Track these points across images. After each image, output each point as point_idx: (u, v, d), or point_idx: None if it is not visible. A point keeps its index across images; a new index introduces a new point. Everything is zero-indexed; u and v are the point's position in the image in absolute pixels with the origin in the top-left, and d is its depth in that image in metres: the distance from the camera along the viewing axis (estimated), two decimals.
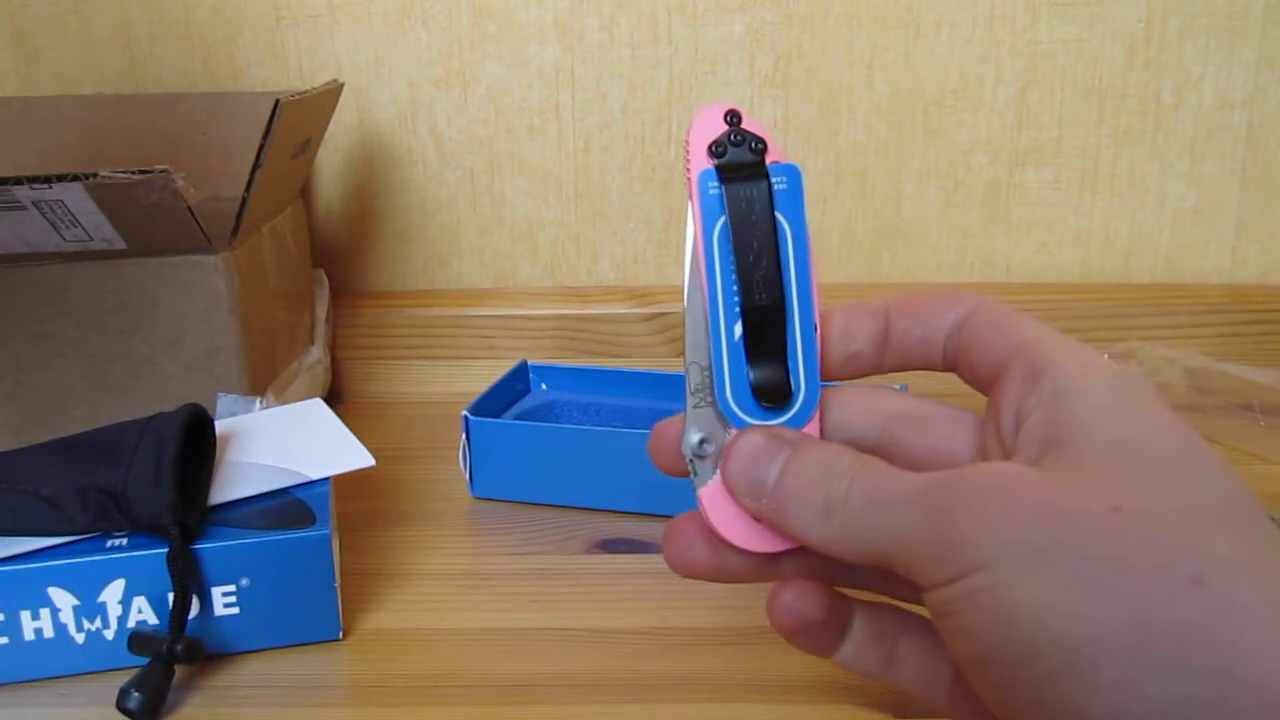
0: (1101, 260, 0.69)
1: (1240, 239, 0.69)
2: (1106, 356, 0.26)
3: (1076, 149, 0.67)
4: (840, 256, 0.69)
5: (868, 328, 0.29)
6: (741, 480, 0.27)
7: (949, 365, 0.29)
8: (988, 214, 0.68)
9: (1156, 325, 0.66)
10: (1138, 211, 0.68)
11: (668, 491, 0.50)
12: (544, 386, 0.60)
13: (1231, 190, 0.68)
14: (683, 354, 0.29)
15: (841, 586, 0.30)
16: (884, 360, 0.29)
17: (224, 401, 0.49)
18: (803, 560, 0.29)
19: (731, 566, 0.29)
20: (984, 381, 0.28)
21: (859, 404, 0.29)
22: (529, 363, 0.60)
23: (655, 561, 0.47)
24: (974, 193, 0.68)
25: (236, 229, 0.50)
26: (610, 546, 0.48)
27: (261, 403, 0.50)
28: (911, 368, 0.29)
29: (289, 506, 0.41)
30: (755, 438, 0.28)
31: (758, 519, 0.28)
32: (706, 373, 0.28)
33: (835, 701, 0.37)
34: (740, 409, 0.28)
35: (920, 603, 0.28)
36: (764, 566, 0.29)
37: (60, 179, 0.43)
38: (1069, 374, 0.25)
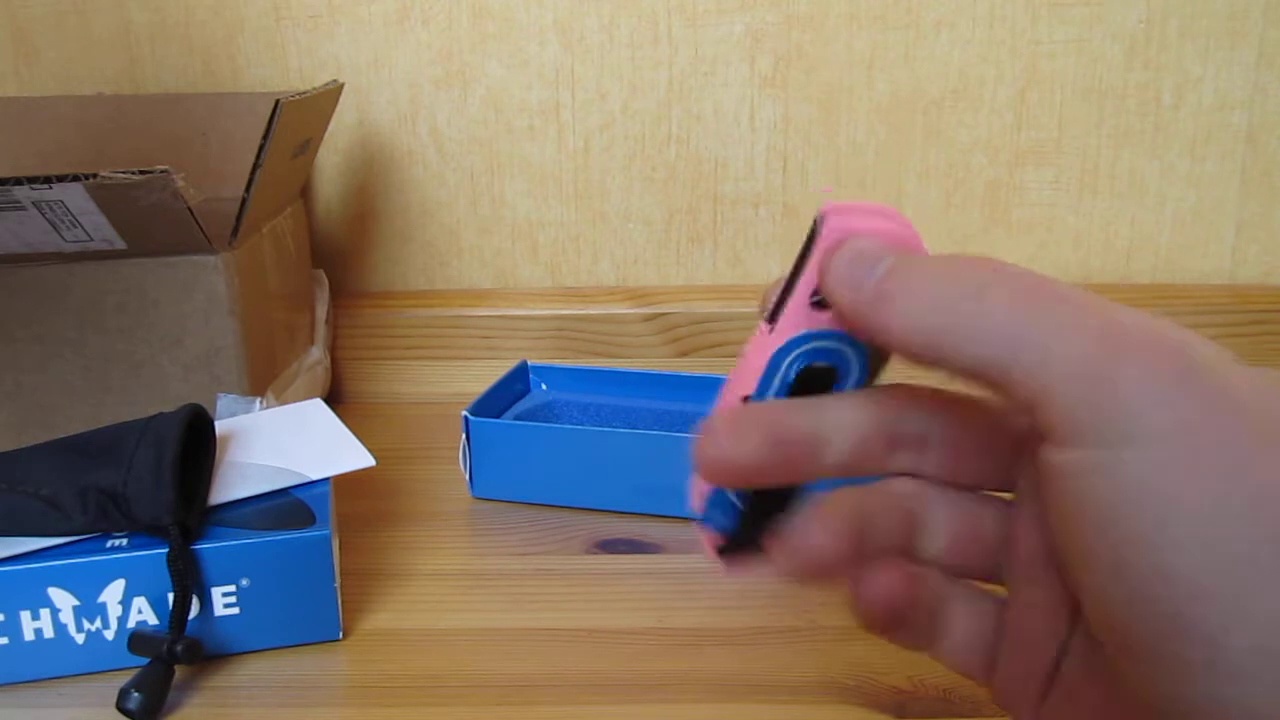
0: (1101, 260, 0.69)
1: (1240, 239, 0.69)
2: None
3: (1076, 149, 0.67)
4: None
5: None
6: (845, 263, 0.23)
7: None
8: (988, 214, 0.68)
9: None
10: (1138, 212, 0.68)
11: (668, 492, 0.50)
12: (544, 387, 0.60)
13: (1231, 190, 0.68)
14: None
15: (874, 470, 0.26)
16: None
17: (224, 401, 0.49)
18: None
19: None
20: None
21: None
22: (529, 363, 0.60)
23: (655, 561, 0.47)
24: (974, 193, 0.68)
25: (236, 229, 0.50)
26: (610, 546, 0.48)
27: (261, 403, 0.50)
28: None
29: (289, 506, 0.41)
30: (864, 239, 0.23)
31: (848, 316, 0.23)
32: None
33: (835, 701, 0.37)
34: None
35: (976, 473, 0.26)
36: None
37: (60, 179, 0.43)
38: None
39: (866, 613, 0.26)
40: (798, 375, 0.25)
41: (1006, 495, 0.26)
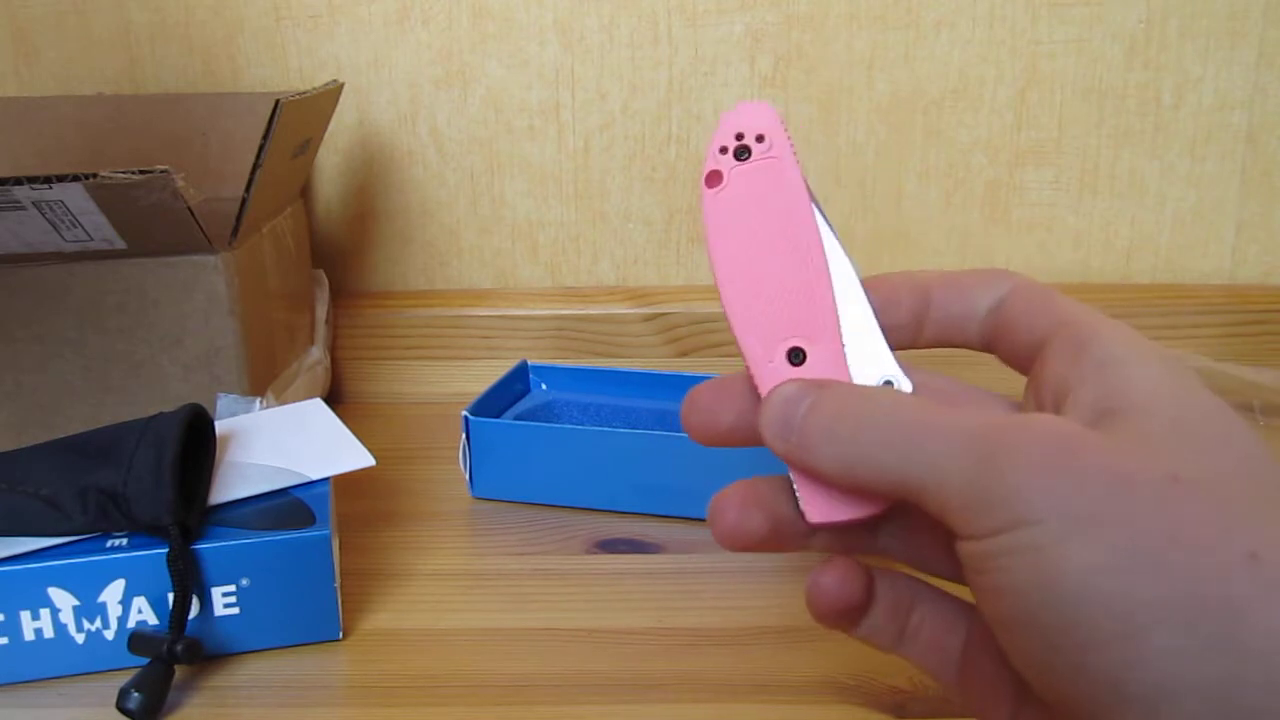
0: (1101, 260, 0.69)
1: (1240, 239, 0.69)
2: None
3: (1076, 149, 0.67)
4: None
5: (909, 301, 0.29)
6: (773, 423, 0.27)
7: (986, 343, 0.28)
8: (988, 214, 0.68)
9: (1156, 325, 0.66)
10: (1138, 212, 0.68)
11: (668, 492, 0.50)
12: (544, 386, 0.60)
13: (1231, 190, 0.68)
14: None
15: (862, 555, 0.30)
16: (921, 335, 0.29)
17: (224, 401, 0.49)
18: (835, 532, 0.29)
19: (783, 535, 0.29)
20: (1023, 358, 0.27)
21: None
22: (529, 363, 0.60)
23: (655, 561, 0.47)
24: (974, 193, 0.68)
25: (236, 229, 0.50)
26: (610, 546, 0.48)
27: (261, 403, 0.50)
28: (948, 344, 0.29)
29: (289, 506, 0.41)
30: (789, 385, 0.27)
31: (791, 464, 0.27)
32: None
33: (835, 701, 0.37)
34: None
35: (940, 567, 0.28)
36: (804, 537, 0.29)
37: (60, 179, 0.43)
38: (1116, 345, 0.24)
39: (814, 603, 0.29)
40: None
41: None
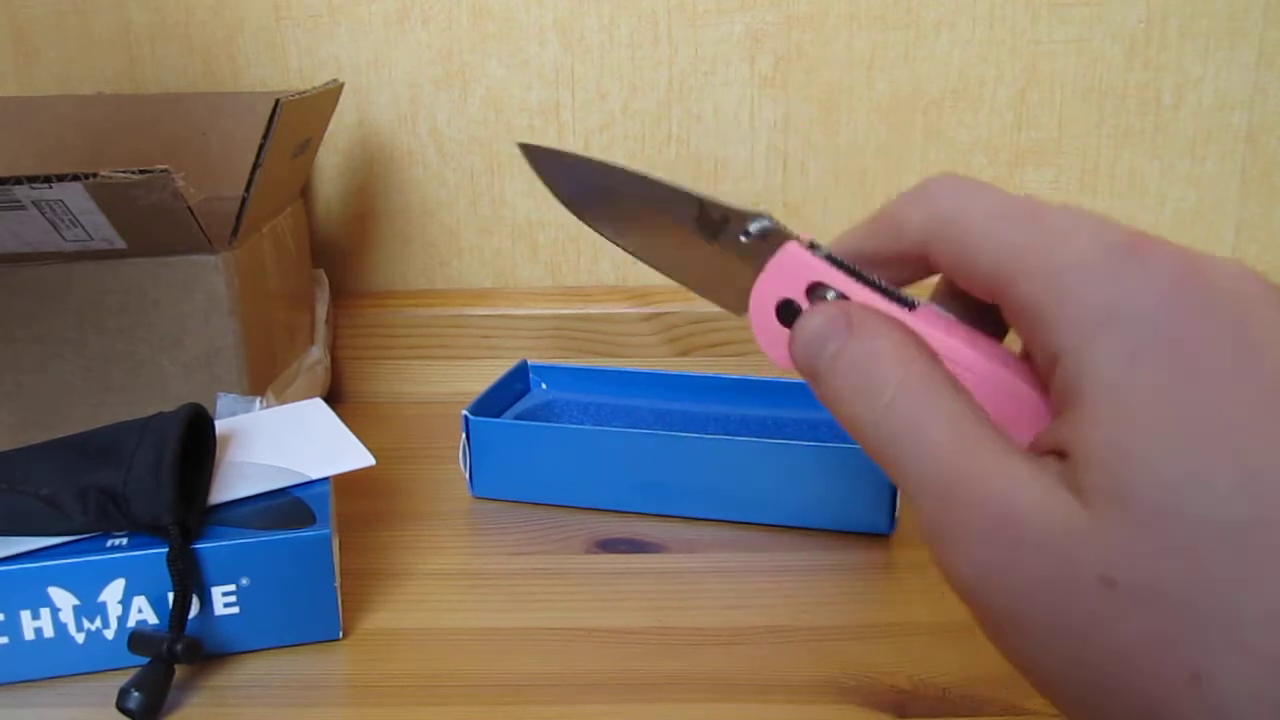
0: None
1: (1240, 239, 0.68)
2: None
3: (1076, 149, 0.67)
4: None
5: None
6: (801, 349, 0.26)
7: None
8: None
9: None
10: (1138, 212, 0.68)
11: (668, 492, 0.50)
12: (544, 386, 0.60)
13: (1231, 190, 0.68)
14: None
15: None
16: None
17: (224, 401, 0.49)
18: None
19: None
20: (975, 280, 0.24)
21: None
22: (529, 363, 0.60)
23: (655, 561, 0.47)
24: None
25: (236, 229, 0.50)
26: (610, 546, 0.48)
27: (261, 403, 0.50)
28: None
29: (289, 506, 0.41)
30: (815, 317, 0.26)
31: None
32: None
33: (835, 701, 0.37)
34: None
35: None
36: None
37: (60, 179, 0.43)
38: (1077, 324, 0.21)
39: None
40: None
41: None
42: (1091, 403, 0.21)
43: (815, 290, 0.27)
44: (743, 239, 0.28)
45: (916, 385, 0.24)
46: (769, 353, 0.28)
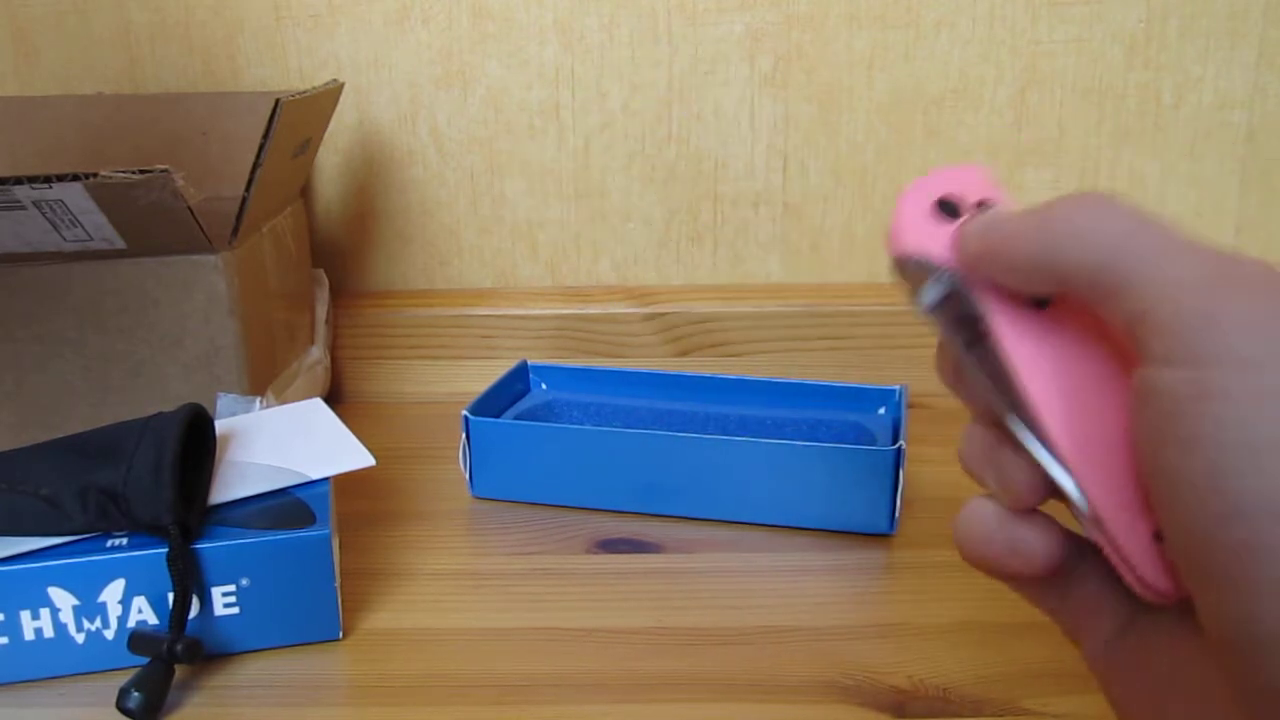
0: None
1: (1240, 239, 0.68)
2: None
3: (1076, 149, 0.67)
4: (840, 257, 0.69)
5: None
6: (978, 223, 0.25)
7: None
8: None
9: None
10: None
11: (668, 492, 0.50)
12: (544, 386, 0.60)
13: (1231, 190, 0.68)
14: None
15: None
16: None
17: (224, 401, 0.49)
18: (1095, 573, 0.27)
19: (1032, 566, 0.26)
20: None
21: None
22: (529, 363, 0.60)
23: (655, 561, 0.47)
24: None
25: (236, 229, 0.50)
26: (610, 546, 0.48)
27: (261, 403, 0.50)
28: None
29: (289, 506, 0.41)
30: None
31: (980, 260, 0.25)
32: None
33: (835, 701, 0.37)
34: None
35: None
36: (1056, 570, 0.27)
37: (60, 179, 0.43)
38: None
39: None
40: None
41: None
42: None
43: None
44: None
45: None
46: (907, 239, 0.27)
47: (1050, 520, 0.27)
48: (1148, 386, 0.21)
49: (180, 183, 0.45)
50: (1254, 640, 0.19)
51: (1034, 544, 0.26)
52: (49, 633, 0.38)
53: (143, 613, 0.38)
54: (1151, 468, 0.21)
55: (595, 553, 0.48)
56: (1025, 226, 0.24)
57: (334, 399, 0.67)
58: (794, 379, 0.57)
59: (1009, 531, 0.26)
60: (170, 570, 0.37)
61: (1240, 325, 0.19)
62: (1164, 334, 0.20)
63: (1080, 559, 0.27)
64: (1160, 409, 0.20)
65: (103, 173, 0.43)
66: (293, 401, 0.55)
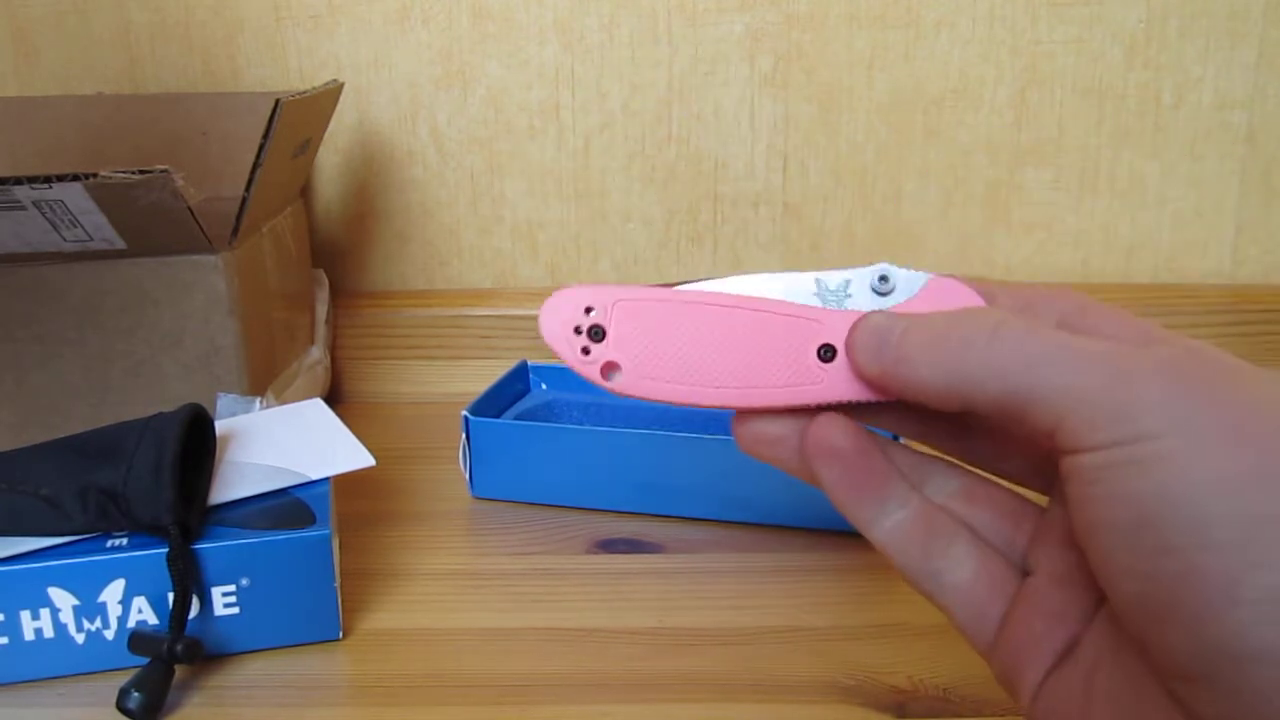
0: (1101, 260, 0.69)
1: (1240, 239, 0.69)
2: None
3: (1076, 149, 0.67)
4: (840, 257, 0.69)
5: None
6: (866, 346, 0.27)
7: None
8: (988, 214, 0.68)
9: None
10: (1138, 212, 0.68)
11: (668, 492, 0.50)
12: (544, 386, 0.60)
13: (1231, 190, 0.68)
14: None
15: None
16: None
17: (224, 401, 0.49)
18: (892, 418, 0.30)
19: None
20: None
21: (1030, 295, 0.29)
22: (529, 363, 0.60)
23: (655, 561, 0.47)
24: (974, 193, 0.68)
25: (236, 229, 0.50)
26: (610, 546, 0.48)
27: (261, 403, 0.50)
28: None
29: (289, 506, 0.41)
30: (880, 314, 0.28)
31: (883, 385, 0.27)
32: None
33: (835, 701, 0.37)
34: None
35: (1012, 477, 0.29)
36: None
37: (60, 179, 0.43)
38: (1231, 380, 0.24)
39: (808, 448, 0.29)
40: None
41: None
42: None
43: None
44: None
45: (1012, 317, 0.26)
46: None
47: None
48: (1075, 469, 0.24)
49: (180, 183, 0.45)
50: (1194, 672, 0.22)
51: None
52: (49, 633, 0.38)
53: (143, 613, 0.38)
54: (1086, 531, 0.24)
55: (595, 553, 0.48)
56: (926, 354, 0.26)
57: (334, 399, 0.67)
58: None
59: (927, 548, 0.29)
60: (170, 570, 0.37)
61: (1142, 408, 0.23)
62: (1080, 432, 0.23)
63: (1011, 602, 0.28)
64: (1089, 483, 0.24)
65: (103, 173, 0.43)
66: (293, 401, 0.55)
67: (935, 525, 0.29)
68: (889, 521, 0.29)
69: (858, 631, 0.41)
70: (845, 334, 0.28)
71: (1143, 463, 0.22)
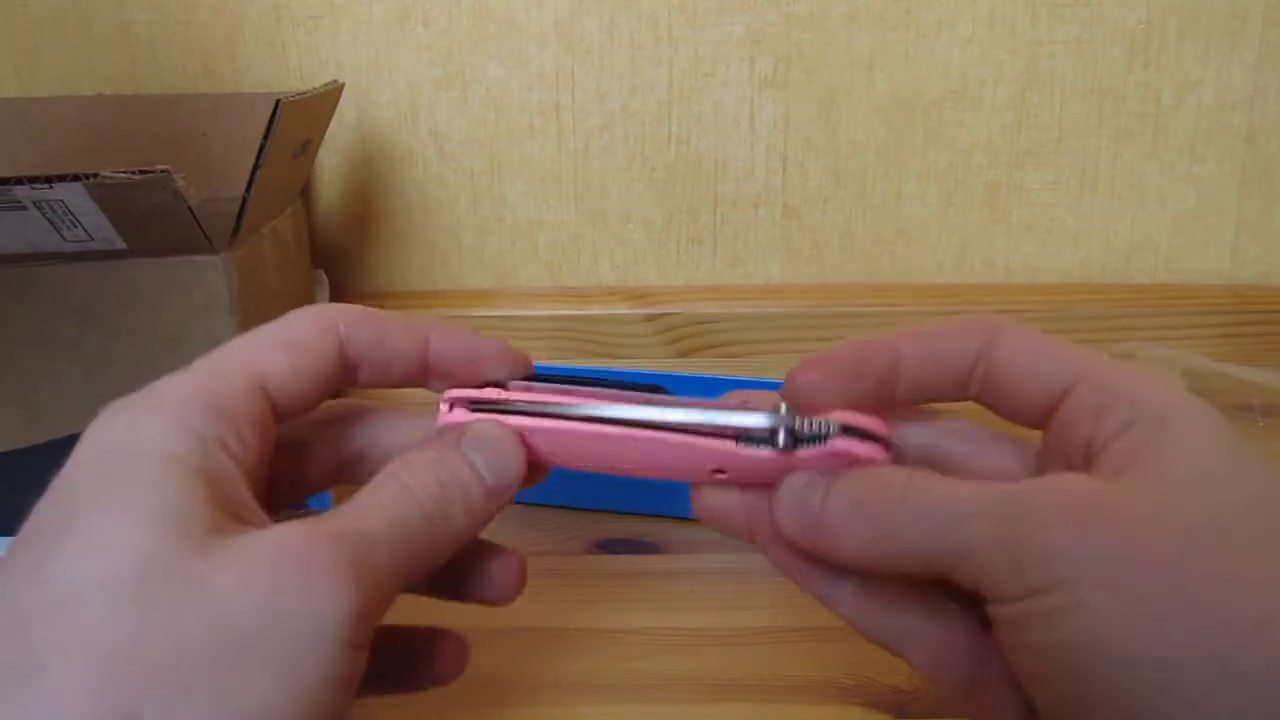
0: (1101, 261, 0.69)
1: (1240, 240, 0.69)
2: (1179, 386, 0.25)
3: (1076, 149, 0.67)
4: (840, 257, 0.69)
5: (874, 367, 0.27)
6: (791, 521, 0.27)
7: (977, 394, 0.27)
8: (988, 215, 0.68)
9: (1156, 326, 0.66)
10: (1138, 212, 0.68)
11: (668, 492, 0.50)
12: None
13: (1231, 191, 0.68)
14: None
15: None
16: (896, 393, 0.27)
17: None
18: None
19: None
20: (1028, 411, 0.27)
21: (909, 414, 0.28)
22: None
23: (655, 561, 0.47)
24: (974, 193, 0.68)
25: (236, 229, 0.50)
26: (610, 546, 0.48)
27: None
28: (926, 400, 0.28)
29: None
30: (798, 477, 0.27)
31: (810, 556, 0.27)
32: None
33: (835, 701, 0.37)
34: None
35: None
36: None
37: (60, 179, 0.43)
38: (1151, 405, 0.24)
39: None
40: None
41: None
42: None
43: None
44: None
45: (921, 473, 0.26)
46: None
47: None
48: (995, 619, 0.24)
49: (180, 183, 0.45)
50: None
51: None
52: None
53: None
54: (1016, 676, 0.24)
55: (595, 553, 0.48)
56: (847, 525, 0.26)
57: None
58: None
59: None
60: None
61: (1039, 559, 0.23)
62: (1002, 586, 0.23)
63: (985, 664, 0.28)
64: (1007, 634, 0.24)
65: (103, 173, 0.43)
66: None
67: (891, 597, 0.28)
68: (845, 594, 0.28)
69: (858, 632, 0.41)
70: (731, 460, 0.27)
71: (1057, 613, 0.22)
